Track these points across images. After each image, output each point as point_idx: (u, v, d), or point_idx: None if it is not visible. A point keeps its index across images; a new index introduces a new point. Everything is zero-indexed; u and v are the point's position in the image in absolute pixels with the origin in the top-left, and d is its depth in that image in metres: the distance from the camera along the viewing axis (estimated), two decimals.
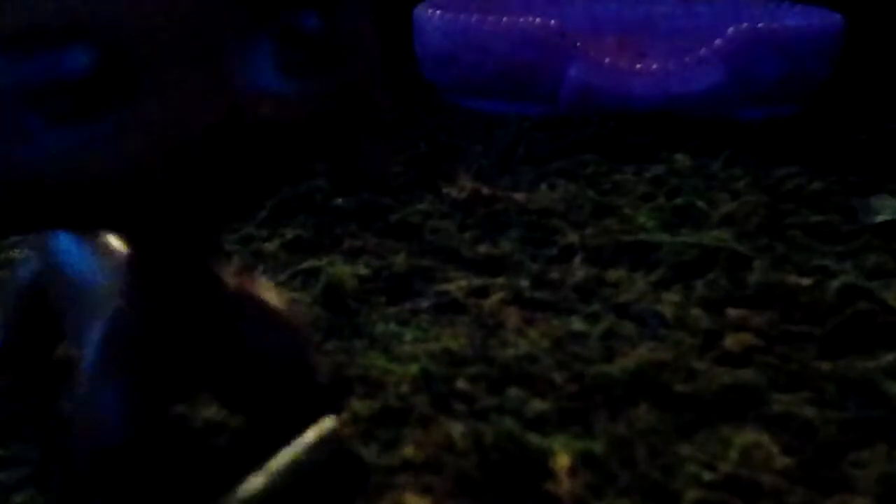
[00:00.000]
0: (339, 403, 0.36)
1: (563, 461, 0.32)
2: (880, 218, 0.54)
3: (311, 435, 0.31)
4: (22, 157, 0.21)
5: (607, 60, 0.76)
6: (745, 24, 0.76)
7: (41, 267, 0.35)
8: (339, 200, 0.57)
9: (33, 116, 0.21)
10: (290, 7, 0.23)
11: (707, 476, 0.31)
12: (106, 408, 0.29)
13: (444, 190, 0.60)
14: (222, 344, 0.30)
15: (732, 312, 0.43)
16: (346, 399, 0.36)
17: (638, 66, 0.76)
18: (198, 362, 0.30)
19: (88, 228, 0.30)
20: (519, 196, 0.58)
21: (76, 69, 0.20)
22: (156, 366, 0.29)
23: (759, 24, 0.76)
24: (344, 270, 0.47)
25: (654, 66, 0.76)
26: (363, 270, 0.48)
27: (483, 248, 0.51)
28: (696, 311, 0.43)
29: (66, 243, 0.33)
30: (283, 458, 0.30)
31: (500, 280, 0.47)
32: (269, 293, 0.32)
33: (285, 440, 0.31)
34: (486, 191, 0.59)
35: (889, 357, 0.39)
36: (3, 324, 0.38)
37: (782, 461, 0.32)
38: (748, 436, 0.34)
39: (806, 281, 0.46)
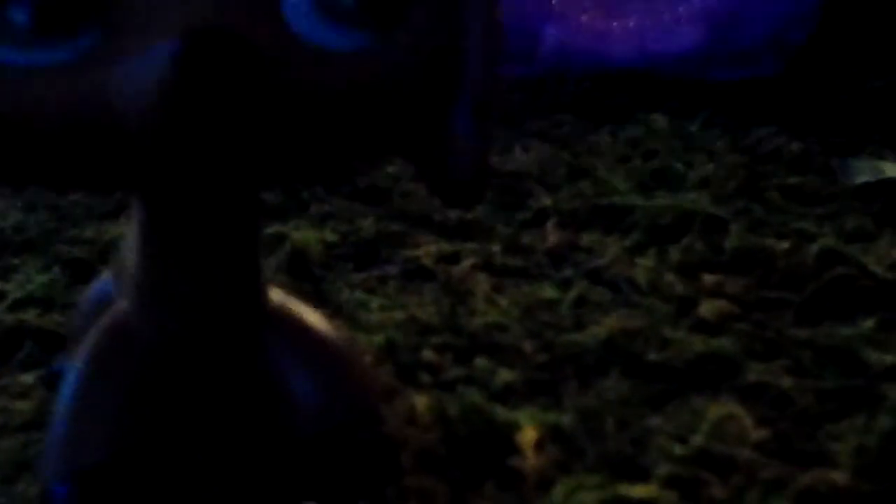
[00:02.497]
0: (384, 480, 0.28)
1: (529, 435, 0.31)
2: (860, 179, 0.53)
3: None
4: None
5: (584, 18, 0.74)
6: None
7: (109, 287, 0.30)
8: None
9: None
10: None
11: (678, 450, 0.30)
12: (86, 422, 0.24)
13: None
14: (252, 377, 0.24)
15: (708, 278, 0.42)
16: (394, 476, 0.29)
17: (615, 23, 0.75)
18: (217, 395, 0.24)
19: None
20: (492, 158, 0.57)
21: None
22: (157, 385, 0.24)
23: None
24: (310, 236, 0.46)
25: (632, 25, 0.74)
26: (330, 236, 0.46)
27: (454, 213, 0.49)
28: (670, 277, 0.42)
29: None
30: None
31: (471, 245, 0.46)
32: (323, 322, 0.26)
33: None
34: None
35: (869, 323, 0.38)
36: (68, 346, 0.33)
37: (757, 434, 0.31)
38: (722, 407, 0.32)
39: (783, 245, 0.45)
